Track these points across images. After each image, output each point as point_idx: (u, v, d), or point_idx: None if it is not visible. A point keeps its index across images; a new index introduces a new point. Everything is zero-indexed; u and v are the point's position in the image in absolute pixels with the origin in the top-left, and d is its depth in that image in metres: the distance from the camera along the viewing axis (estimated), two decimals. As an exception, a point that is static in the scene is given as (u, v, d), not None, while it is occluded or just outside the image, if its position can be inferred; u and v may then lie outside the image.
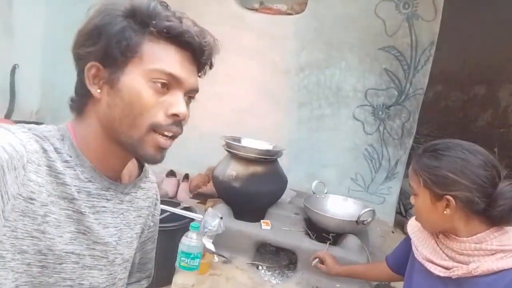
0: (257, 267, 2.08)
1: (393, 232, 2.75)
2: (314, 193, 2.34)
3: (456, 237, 1.05)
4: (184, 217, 1.88)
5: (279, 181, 2.26)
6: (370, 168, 2.70)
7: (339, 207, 2.31)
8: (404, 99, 2.54)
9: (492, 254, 0.99)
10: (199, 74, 0.76)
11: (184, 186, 2.84)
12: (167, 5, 0.71)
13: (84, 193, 0.69)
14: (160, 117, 0.68)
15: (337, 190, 2.59)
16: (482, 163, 1.00)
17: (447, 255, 1.08)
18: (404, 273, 1.31)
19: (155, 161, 0.73)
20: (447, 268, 1.05)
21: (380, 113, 2.60)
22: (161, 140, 0.70)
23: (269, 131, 2.78)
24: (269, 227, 2.15)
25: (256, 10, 2.81)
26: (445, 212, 1.03)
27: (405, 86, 2.51)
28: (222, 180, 2.20)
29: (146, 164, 0.85)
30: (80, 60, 0.69)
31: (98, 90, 0.69)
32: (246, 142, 2.32)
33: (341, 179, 2.76)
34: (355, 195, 2.64)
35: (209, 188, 2.69)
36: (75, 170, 0.68)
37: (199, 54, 0.72)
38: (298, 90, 2.74)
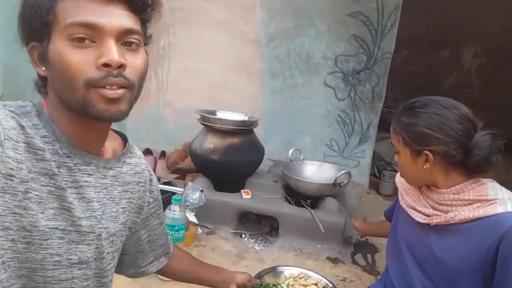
0: (241, 236, 2.14)
1: (368, 193, 2.86)
2: (291, 160, 2.39)
3: (437, 189, 1.10)
4: (165, 192, 1.89)
5: (256, 151, 2.30)
6: (343, 133, 2.77)
7: (316, 172, 2.38)
8: (373, 64, 2.59)
9: (470, 204, 1.03)
10: (142, 15, 0.69)
11: (161, 163, 2.85)
12: None
13: (65, 168, 0.69)
14: (92, 72, 0.64)
15: (313, 157, 2.66)
16: (457, 117, 1.04)
17: (428, 204, 1.13)
18: None
19: (112, 115, 0.67)
20: (427, 215, 1.11)
21: (351, 78, 2.65)
22: (107, 92, 0.65)
23: (244, 103, 2.79)
24: (249, 196, 2.20)
25: (222, -20, 2.76)
26: (425, 166, 1.08)
27: (374, 51, 2.56)
28: (200, 154, 2.22)
29: (129, 140, 0.86)
30: (23, 42, 0.69)
31: (43, 69, 0.68)
32: (221, 115, 2.34)
33: (317, 145, 2.83)
34: (330, 160, 2.72)
35: (187, 163, 2.71)
36: (54, 146, 0.68)
37: None
38: (269, 60, 2.75)
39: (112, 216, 0.80)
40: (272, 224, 2.21)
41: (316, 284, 1.40)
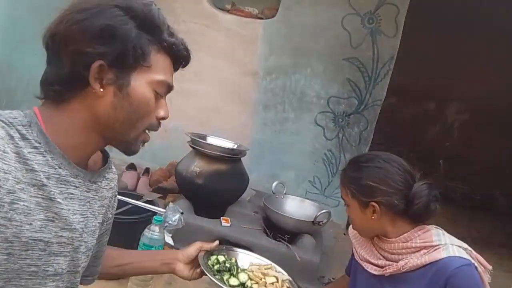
0: (215, 263, 2.11)
1: (344, 234, 2.88)
2: (273, 193, 2.40)
3: (387, 239, 1.17)
4: (145, 210, 1.88)
5: (241, 180, 2.31)
6: (327, 172, 2.82)
7: (296, 208, 2.39)
8: (363, 109, 2.68)
9: (417, 251, 1.11)
10: None
11: (144, 179, 2.82)
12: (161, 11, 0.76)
13: (54, 179, 0.69)
14: (153, 120, 0.79)
15: (295, 192, 2.68)
16: (397, 169, 1.14)
17: (381, 255, 1.20)
18: None
19: (136, 153, 0.82)
20: (380, 267, 1.17)
21: (341, 120, 2.73)
22: (147, 136, 0.81)
23: (233, 131, 2.83)
24: (228, 224, 2.19)
25: (228, 11, 2.85)
26: (373, 217, 1.16)
27: (365, 97, 2.65)
28: (185, 176, 2.22)
29: (110, 155, 0.88)
30: (82, 55, 0.69)
31: (101, 89, 0.71)
32: (211, 140, 2.36)
33: (300, 181, 2.86)
34: (312, 197, 2.75)
35: (170, 183, 2.69)
36: (44, 156, 0.68)
37: (183, 65, 0.83)
38: (264, 93, 2.81)
39: (92, 230, 0.80)
40: (247, 254, 2.19)
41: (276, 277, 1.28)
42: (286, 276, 1.31)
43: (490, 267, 1.11)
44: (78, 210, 0.75)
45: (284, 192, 2.44)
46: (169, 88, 0.80)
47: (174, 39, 0.77)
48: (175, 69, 0.82)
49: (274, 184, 2.42)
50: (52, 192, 0.69)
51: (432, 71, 5.20)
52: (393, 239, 1.15)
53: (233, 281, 1.16)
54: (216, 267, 1.21)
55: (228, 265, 1.22)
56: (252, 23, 2.76)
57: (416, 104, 5.53)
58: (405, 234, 1.13)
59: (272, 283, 1.24)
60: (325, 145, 2.79)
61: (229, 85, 2.86)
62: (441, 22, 4.87)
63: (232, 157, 2.24)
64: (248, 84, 2.82)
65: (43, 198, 0.67)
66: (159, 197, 2.56)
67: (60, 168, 0.70)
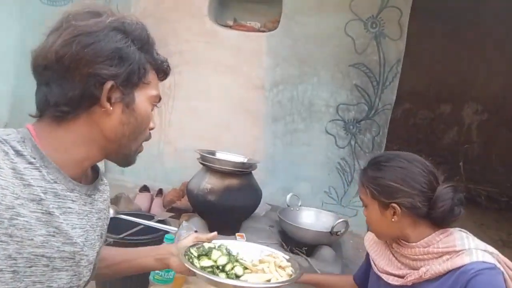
0: (232, 281, 2.07)
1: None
2: (288, 206, 2.36)
3: (407, 243, 1.11)
4: (158, 231, 1.86)
5: (254, 194, 2.27)
6: (342, 181, 2.75)
7: (313, 219, 2.34)
8: (374, 114, 2.62)
9: (440, 257, 1.05)
10: None
11: (157, 201, 2.81)
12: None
13: (51, 193, 0.70)
14: (148, 132, 0.86)
15: (312, 203, 2.62)
16: (420, 170, 1.09)
17: (401, 263, 1.14)
18: None
19: (132, 164, 0.88)
20: (401, 277, 1.11)
21: (351, 127, 2.68)
22: (142, 148, 0.87)
23: (245, 146, 2.80)
24: (244, 240, 2.15)
25: (230, 27, 2.86)
26: (393, 219, 1.10)
27: (375, 102, 2.60)
28: (197, 193, 2.20)
29: (99, 166, 0.89)
30: (96, 76, 0.73)
31: (111, 108, 0.76)
32: (220, 155, 2.34)
33: (315, 192, 2.80)
34: (329, 208, 2.68)
35: (183, 203, 2.68)
36: (40, 171, 0.69)
37: (163, 79, 0.89)
38: (272, 105, 2.79)
39: (91, 243, 0.81)
40: (266, 271, 2.14)
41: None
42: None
43: None
44: (77, 224, 0.76)
45: (299, 204, 2.40)
46: (159, 100, 0.87)
47: (161, 56, 0.85)
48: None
49: (288, 197, 2.38)
50: (51, 207, 0.69)
51: (444, 74, 5.14)
52: (414, 244, 1.09)
53: (205, 263, 1.09)
54: (195, 253, 1.12)
55: (205, 250, 1.14)
56: (255, 37, 2.76)
57: (431, 108, 5.45)
58: (426, 238, 1.07)
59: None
60: (338, 153, 2.73)
61: (236, 100, 2.85)
62: (450, 23, 4.82)
63: (243, 171, 2.21)
64: (255, 97, 2.81)
65: (42, 213, 0.68)
66: (174, 217, 2.54)
67: (55, 182, 0.71)
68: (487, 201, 4.21)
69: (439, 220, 1.08)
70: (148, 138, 0.86)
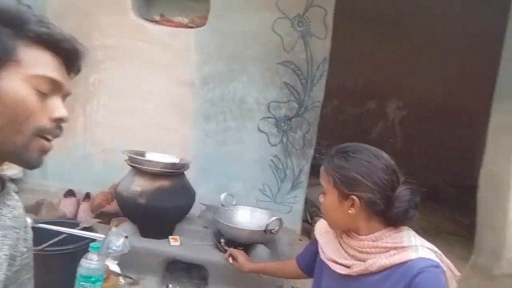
0: (167, 286, 2.00)
1: (300, 240, 2.85)
2: (223, 205, 2.33)
3: (357, 236, 1.13)
4: (84, 239, 1.74)
5: (187, 195, 2.22)
6: (276, 179, 2.79)
7: (248, 218, 2.33)
8: (303, 111, 2.68)
9: (387, 251, 1.07)
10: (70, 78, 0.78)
11: (85, 206, 2.65)
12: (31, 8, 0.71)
13: None
14: (45, 122, 0.70)
15: (246, 202, 2.62)
16: (384, 167, 1.09)
17: (348, 254, 1.15)
18: (311, 272, 1.38)
19: (37, 165, 0.73)
20: (347, 266, 1.13)
21: (283, 124, 2.72)
22: (46, 144, 0.72)
23: (176, 145, 2.73)
24: (178, 243, 2.10)
25: (156, 22, 2.77)
26: (349, 211, 1.11)
27: (304, 99, 2.67)
28: (126, 197, 2.10)
29: (7, 180, 0.79)
30: None
31: None
32: (150, 156, 2.25)
33: (250, 190, 2.81)
34: (263, 206, 2.70)
35: (113, 206, 2.54)
36: None
37: (72, 59, 0.75)
38: (203, 103, 2.75)
39: None
40: (202, 273, 2.10)
41: None
42: None
43: (458, 274, 1.09)
44: None
45: (233, 203, 2.38)
46: (55, 84, 0.71)
47: (48, 29, 0.70)
48: (68, 65, 0.75)
49: (222, 196, 2.35)
50: None
51: (370, 71, 5.41)
52: (363, 237, 1.11)
53: None
54: None
55: None
56: (183, 33, 2.70)
57: (358, 104, 5.71)
58: (376, 233, 1.09)
59: None
60: (271, 151, 2.76)
61: (166, 98, 2.77)
62: (374, 23, 5.08)
63: (175, 172, 2.15)
64: (185, 95, 2.75)
65: None
66: (102, 222, 2.41)
67: None
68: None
69: (393, 220, 1.09)
70: (51, 130, 0.71)
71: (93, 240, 1.68)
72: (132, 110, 2.80)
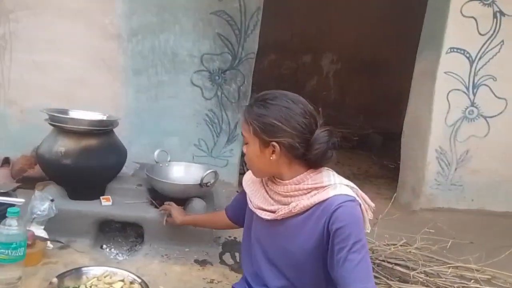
0: (101, 247, 1.95)
1: (237, 192, 2.89)
2: (157, 162, 2.27)
3: (281, 181, 1.16)
4: (2, 204, 1.61)
5: (117, 153, 2.12)
6: (212, 133, 2.75)
7: (183, 174, 2.30)
8: (238, 64, 2.62)
9: (308, 193, 1.11)
10: None
11: (4, 171, 2.45)
12: None
13: None
14: None
15: (183, 158, 2.57)
16: (302, 111, 1.10)
17: (274, 200, 1.18)
18: (240, 221, 1.42)
19: None
20: (273, 212, 1.16)
21: (217, 78, 2.65)
22: None
23: (105, 103, 2.57)
24: (110, 203, 2.02)
25: (76, -34, 2.49)
26: (271, 158, 1.13)
27: (238, 51, 2.60)
28: (49, 158, 1.95)
29: None
30: None
31: None
32: (74, 114, 2.10)
33: (185, 146, 2.75)
34: (200, 161, 2.67)
35: (37, 170, 2.37)
36: None
37: None
38: (132, 57, 2.57)
39: None
40: (138, 231, 2.06)
41: (122, 280, 1.45)
42: (129, 274, 1.48)
43: (373, 204, 1.15)
44: None
45: (168, 160, 2.32)
46: None
47: None
48: None
49: (156, 153, 2.29)
50: None
51: (304, 24, 5.40)
52: (287, 181, 1.14)
53: None
54: None
55: None
56: (107, -21, 2.46)
57: (294, 59, 5.73)
58: (298, 177, 1.12)
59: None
60: (205, 105, 2.70)
61: (91, 51, 2.55)
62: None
63: (102, 130, 2.03)
64: (112, 48, 2.55)
65: None
66: (26, 188, 2.24)
67: None
68: (341, 141, 4.66)
69: (313, 162, 1.12)
70: None
71: (12, 205, 1.56)
72: (52, 66, 2.56)
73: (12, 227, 1.42)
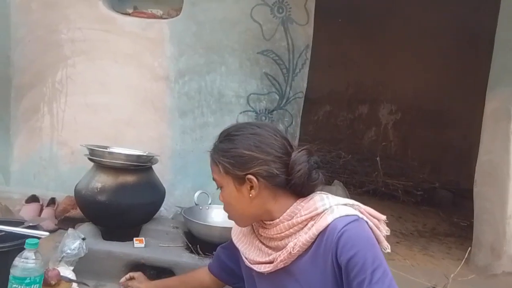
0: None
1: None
2: (196, 204, 2.14)
3: (272, 222, 1.00)
4: (22, 237, 1.52)
5: (155, 192, 2.02)
6: (257, 176, 2.59)
7: (223, 218, 2.11)
8: (285, 103, 2.51)
9: (305, 226, 0.96)
10: None
11: (48, 211, 2.43)
12: None
13: None
14: None
15: (224, 202, 2.42)
16: (271, 134, 1.01)
17: (271, 248, 1.03)
18: (229, 278, 1.27)
19: None
20: (271, 262, 1.00)
21: (264, 118, 2.53)
22: None
23: (150, 143, 2.54)
24: (142, 245, 1.88)
25: (129, 14, 2.60)
26: (250, 195, 0.99)
27: (286, 90, 2.49)
28: (85, 195, 1.89)
29: None
30: None
31: None
32: (113, 149, 2.05)
33: (229, 190, 2.60)
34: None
35: (80, 212, 2.33)
36: None
37: None
38: (179, 98, 2.56)
39: None
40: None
41: None
42: None
43: (384, 217, 1.00)
44: None
45: (209, 203, 2.18)
46: None
47: None
48: None
49: (196, 194, 2.16)
50: None
51: (360, 75, 5.29)
52: (278, 220, 0.99)
53: None
54: None
55: None
56: (157, 24, 2.53)
57: (349, 109, 5.58)
58: (289, 210, 0.98)
59: None
60: (251, 147, 2.57)
61: (140, 92, 2.58)
62: (363, 25, 4.97)
63: (140, 166, 1.95)
64: (160, 90, 2.56)
65: None
66: (65, 229, 2.19)
67: None
68: (403, 195, 4.31)
69: (299, 188, 1.00)
70: None
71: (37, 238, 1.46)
72: (102, 107, 2.61)
73: (28, 260, 1.30)
